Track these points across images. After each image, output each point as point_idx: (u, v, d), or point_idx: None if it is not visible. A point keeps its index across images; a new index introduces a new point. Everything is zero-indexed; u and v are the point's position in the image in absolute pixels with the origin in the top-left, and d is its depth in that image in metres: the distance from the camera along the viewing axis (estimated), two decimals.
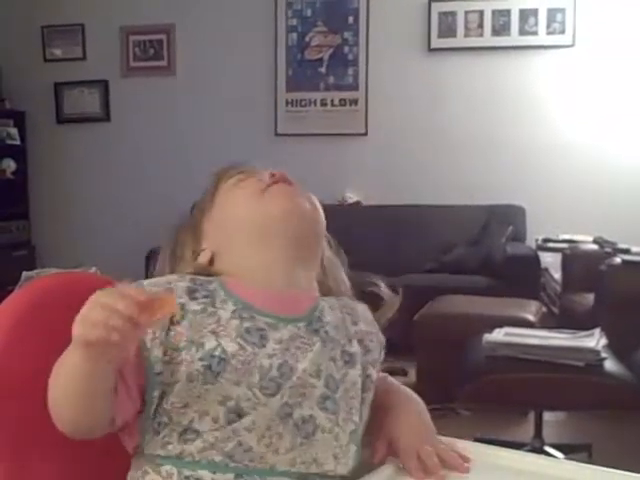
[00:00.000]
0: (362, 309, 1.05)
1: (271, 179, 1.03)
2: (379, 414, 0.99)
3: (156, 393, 0.88)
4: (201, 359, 0.87)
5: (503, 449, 1.00)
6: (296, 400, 0.89)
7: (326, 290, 1.04)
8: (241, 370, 0.88)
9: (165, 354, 0.87)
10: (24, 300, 1.04)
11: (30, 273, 1.09)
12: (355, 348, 0.97)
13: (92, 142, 5.85)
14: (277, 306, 0.95)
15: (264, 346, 0.90)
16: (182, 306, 0.90)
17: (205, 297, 0.92)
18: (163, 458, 0.88)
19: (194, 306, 0.91)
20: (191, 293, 0.93)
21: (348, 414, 0.93)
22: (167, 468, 0.88)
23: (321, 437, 0.90)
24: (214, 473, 0.86)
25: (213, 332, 0.89)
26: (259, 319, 0.92)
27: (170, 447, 0.87)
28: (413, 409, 1.01)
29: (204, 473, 0.86)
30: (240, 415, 0.87)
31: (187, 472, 0.87)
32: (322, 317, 0.97)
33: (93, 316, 0.78)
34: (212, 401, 0.86)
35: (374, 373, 0.99)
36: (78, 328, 0.79)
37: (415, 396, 1.05)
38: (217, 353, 0.88)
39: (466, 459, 0.95)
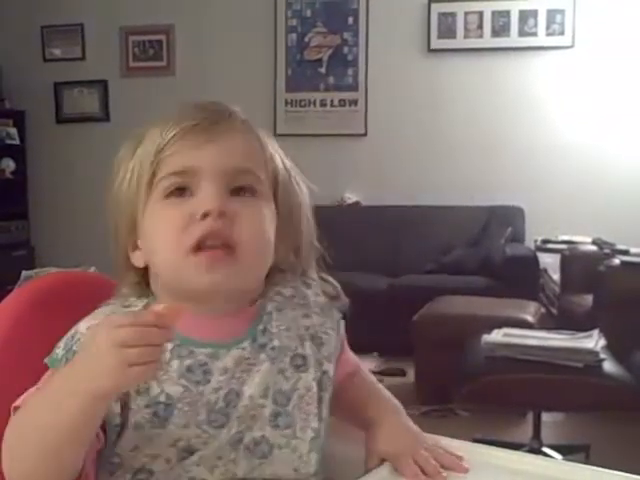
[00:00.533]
0: (313, 294, 0.98)
1: (200, 232, 0.85)
2: (364, 431, 0.97)
3: (113, 435, 0.84)
4: (147, 406, 0.84)
5: (500, 449, 1.00)
6: (246, 425, 0.87)
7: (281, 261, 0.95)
8: (188, 412, 0.85)
9: (119, 396, 0.83)
10: (23, 299, 1.04)
11: (29, 272, 1.09)
12: (307, 349, 0.93)
13: (91, 142, 5.84)
14: (216, 332, 0.89)
15: (209, 381, 0.86)
16: None
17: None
18: None
19: None
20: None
21: (305, 422, 0.90)
22: None
23: (278, 454, 0.88)
24: None
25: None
26: (199, 352, 0.87)
27: None
28: (396, 420, 0.98)
29: None
30: (191, 452, 0.85)
31: None
32: (268, 327, 0.92)
33: (136, 356, 0.71)
34: (163, 444, 0.84)
35: (331, 368, 0.94)
36: (119, 376, 0.72)
37: (395, 401, 1.02)
38: (162, 399, 0.84)
39: (460, 458, 0.94)
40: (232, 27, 5.51)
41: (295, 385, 0.90)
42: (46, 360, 0.87)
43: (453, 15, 5.22)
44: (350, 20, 5.46)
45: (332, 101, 5.47)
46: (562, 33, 5.06)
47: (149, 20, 5.68)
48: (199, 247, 0.85)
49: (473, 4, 5.18)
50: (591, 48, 4.98)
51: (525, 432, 2.94)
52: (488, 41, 5.19)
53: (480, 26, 5.20)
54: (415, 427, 0.98)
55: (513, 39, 5.15)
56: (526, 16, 5.12)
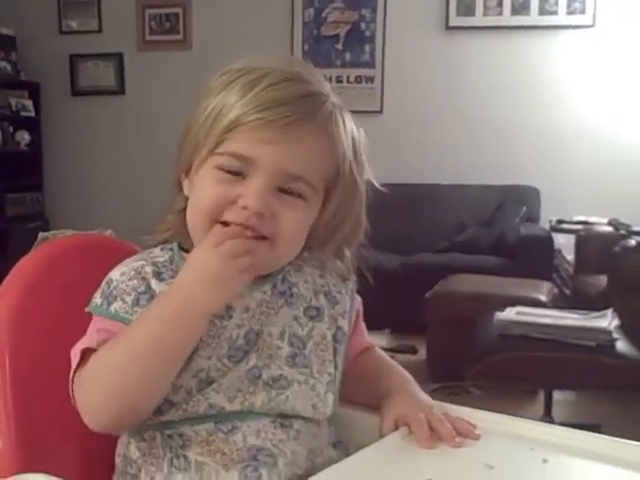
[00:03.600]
0: (331, 262, 1.02)
1: (234, 218, 0.88)
2: (377, 399, 0.99)
3: None
4: None
5: (514, 418, 1.00)
6: (264, 362, 0.91)
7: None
8: (212, 344, 0.89)
9: None
10: (40, 260, 1.05)
11: (46, 234, 1.10)
12: (322, 302, 0.97)
13: (107, 115, 5.85)
14: None
15: (231, 317, 0.91)
16: (152, 291, 0.90)
17: (172, 277, 0.90)
18: (143, 428, 0.90)
19: (163, 287, 0.90)
20: (158, 275, 0.91)
21: (321, 366, 0.94)
22: (149, 433, 0.90)
23: (297, 389, 0.91)
24: (193, 425, 0.88)
25: None
26: None
27: (148, 420, 0.88)
28: (411, 389, 1.00)
29: (185, 428, 0.88)
30: (210, 383, 0.88)
31: (169, 431, 0.89)
32: (287, 277, 0.97)
33: (230, 275, 0.82)
34: (186, 376, 0.88)
35: (345, 325, 0.98)
36: (234, 285, 0.83)
37: (409, 375, 1.04)
38: None
39: (473, 426, 0.94)
40: (249, 1, 5.47)
41: (310, 333, 0.95)
42: (88, 309, 0.92)
43: None
44: None
45: (348, 77, 5.43)
46: (583, 12, 5.00)
47: None
48: (227, 225, 0.88)
49: None
50: (612, 27, 4.92)
51: (536, 410, 2.94)
52: (508, 19, 5.13)
53: (500, 4, 5.14)
54: (429, 398, 0.99)
55: (533, 17, 5.08)
56: None
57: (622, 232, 3.72)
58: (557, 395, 2.93)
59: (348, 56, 5.45)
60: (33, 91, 5.88)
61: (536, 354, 2.60)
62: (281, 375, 0.91)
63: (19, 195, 5.74)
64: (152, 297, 0.89)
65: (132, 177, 5.73)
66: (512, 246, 4.38)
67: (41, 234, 1.04)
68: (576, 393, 3.32)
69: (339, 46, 5.49)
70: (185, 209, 0.94)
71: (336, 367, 0.96)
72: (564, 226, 4.33)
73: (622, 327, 2.67)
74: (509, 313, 2.76)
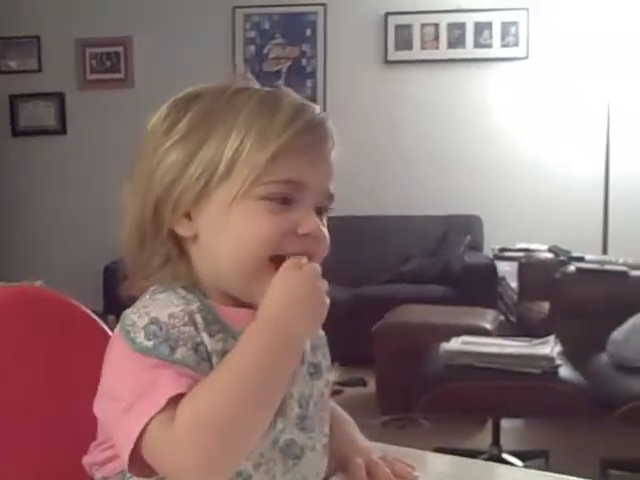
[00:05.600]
0: None
1: (295, 249, 0.83)
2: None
3: None
4: None
5: (457, 458, 1.01)
6: (281, 425, 0.86)
7: None
8: None
9: None
10: None
11: None
12: (319, 358, 0.94)
13: (48, 155, 5.77)
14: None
15: None
16: (205, 346, 0.80)
17: (218, 333, 0.82)
18: None
19: (215, 344, 0.81)
20: (207, 327, 0.81)
21: (321, 427, 0.90)
22: None
23: (310, 455, 0.88)
24: None
25: None
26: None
27: None
28: (351, 430, 0.99)
29: None
30: None
31: None
32: None
33: (322, 295, 0.80)
34: None
35: (331, 376, 0.96)
36: (317, 314, 0.80)
37: (346, 416, 1.02)
38: None
39: (411, 467, 0.95)
40: (190, 39, 5.49)
41: (312, 391, 0.90)
42: (137, 349, 0.78)
43: (410, 27, 5.28)
44: (308, 32, 5.49)
45: None
46: (516, 44, 5.16)
47: (106, 32, 5.63)
48: (278, 258, 0.83)
49: (429, 16, 5.25)
50: (545, 59, 5.07)
51: (485, 439, 2.96)
52: (444, 52, 5.26)
53: (436, 38, 5.26)
54: (366, 440, 0.99)
55: (469, 50, 5.22)
56: (481, 28, 5.20)
57: (562, 258, 3.80)
58: (505, 423, 2.96)
59: None
60: None
61: (482, 383, 2.63)
62: (292, 440, 0.86)
63: None
64: (207, 351, 0.79)
65: (74, 218, 5.63)
66: (457, 275, 4.45)
67: None
68: (523, 421, 3.36)
69: (281, 82, 5.53)
70: (180, 255, 0.86)
71: (329, 425, 0.93)
72: (507, 254, 4.41)
73: (565, 353, 2.72)
74: (454, 343, 2.79)
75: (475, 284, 4.27)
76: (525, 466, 2.75)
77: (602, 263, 3.73)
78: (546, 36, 5.06)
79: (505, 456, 2.83)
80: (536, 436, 3.27)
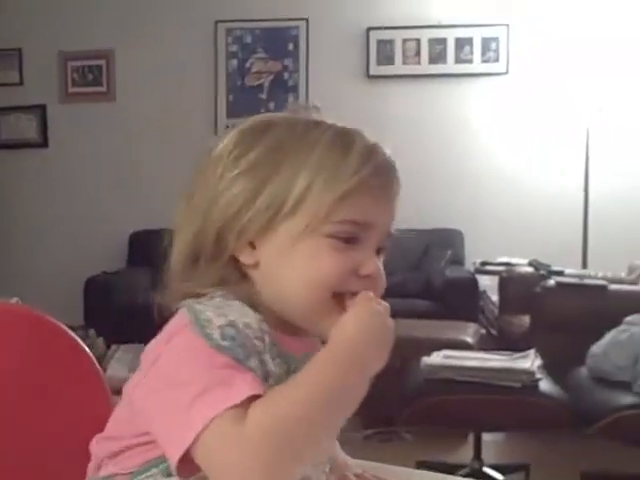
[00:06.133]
0: None
1: (356, 288, 0.84)
2: None
3: None
4: None
5: (437, 474, 1.02)
6: None
7: None
8: None
9: None
10: None
11: None
12: None
13: (29, 168, 5.74)
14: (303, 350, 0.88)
15: None
16: (266, 366, 0.81)
17: (277, 356, 0.83)
18: None
19: (274, 367, 0.82)
20: (270, 350, 0.82)
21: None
22: None
23: None
24: None
25: None
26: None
27: None
28: (330, 445, 0.99)
29: None
30: None
31: None
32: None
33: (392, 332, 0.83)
34: None
35: None
36: (386, 348, 0.83)
37: None
38: None
39: None
40: (172, 53, 5.49)
41: None
42: (212, 344, 0.78)
43: (391, 42, 5.32)
44: (290, 46, 5.51)
45: None
46: (497, 60, 5.21)
47: (88, 45, 5.63)
48: (341, 295, 0.84)
49: (411, 32, 5.29)
50: (524, 75, 5.12)
51: (467, 453, 2.97)
52: (425, 68, 5.30)
53: (418, 53, 5.31)
54: (347, 457, 1.00)
55: (450, 66, 5.27)
56: (462, 44, 5.25)
57: (542, 272, 3.82)
58: (486, 437, 2.97)
59: (272, 105, 5.52)
60: None
61: (463, 397, 2.64)
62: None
63: None
64: (267, 371, 0.80)
65: (55, 231, 5.61)
66: (439, 289, 4.47)
67: None
68: (505, 434, 3.38)
69: (263, 96, 5.56)
70: (241, 278, 0.86)
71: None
72: (488, 268, 4.43)
73: (545, 367, 2.74)
74: (436, 357, 2.80)
75: (456, 298, 4.29)
76: None
77: (581, 277, 3.76)
78: (526, 52, 5.12)
79: (486, 470, 2.84)
80: (517, 449, 3.28)
